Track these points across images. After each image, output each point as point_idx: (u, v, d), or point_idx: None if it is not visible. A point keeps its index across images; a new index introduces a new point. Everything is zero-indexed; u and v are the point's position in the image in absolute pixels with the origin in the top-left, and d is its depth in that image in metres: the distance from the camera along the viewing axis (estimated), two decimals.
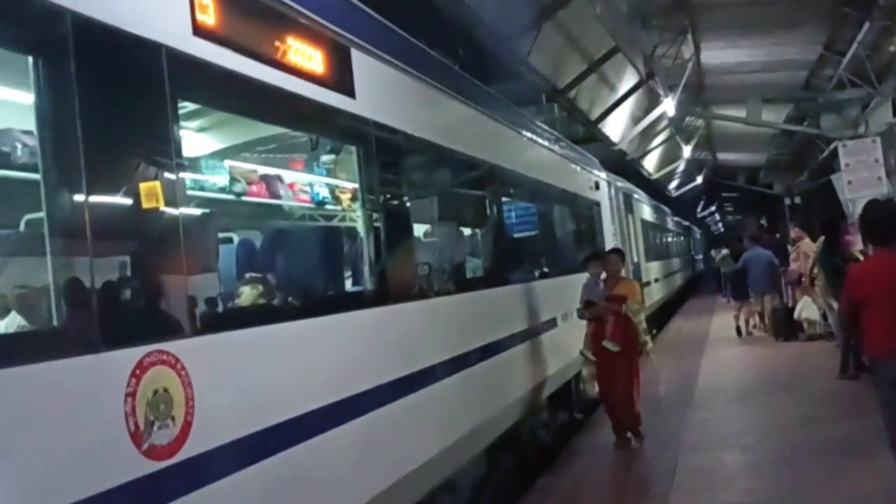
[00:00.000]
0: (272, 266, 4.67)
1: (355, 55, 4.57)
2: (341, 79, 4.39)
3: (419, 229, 6.00)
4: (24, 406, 2.32)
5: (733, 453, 7.28)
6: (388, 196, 5.00)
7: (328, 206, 5.70)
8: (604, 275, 8.01)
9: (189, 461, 2.84)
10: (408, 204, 5.37)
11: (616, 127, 17.95)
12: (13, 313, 2.98)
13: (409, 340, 4.86)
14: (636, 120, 18.29)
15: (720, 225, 68.06)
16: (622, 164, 19.61)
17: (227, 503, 3.03)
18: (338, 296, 4.71)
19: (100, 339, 2.56)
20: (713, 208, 58.71)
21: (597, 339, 7.77)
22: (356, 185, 5.06)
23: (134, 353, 2.67)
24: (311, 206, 5.61)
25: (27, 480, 2.29)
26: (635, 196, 18.08)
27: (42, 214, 2.62)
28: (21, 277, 3.07)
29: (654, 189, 27.57)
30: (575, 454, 7.85)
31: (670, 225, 28.49)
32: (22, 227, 3.82)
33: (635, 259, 16.23)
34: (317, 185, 5.63)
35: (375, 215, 4.79)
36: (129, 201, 2.88)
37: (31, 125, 4.03)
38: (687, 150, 23.58)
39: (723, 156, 30.58)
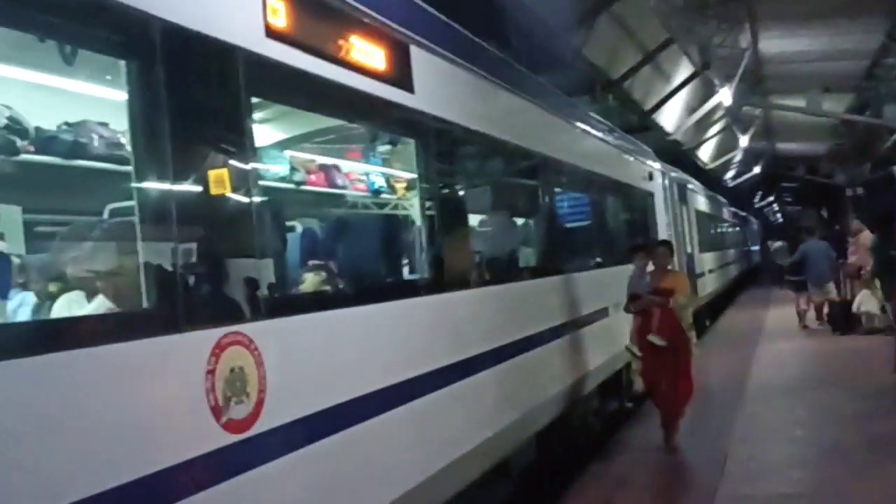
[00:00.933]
0: (334, 254, 4.89)
1: (414, 51, 4.75)
2: (401, 74, 4.57)
3: (474, 220, 6.16)
4: (117, 381, 2.56)
5: (783, 445, 7.31)
6: (444, 187, 5.17)
7: (385, 196, 5.90)
8: (650, 266, 7.77)
9: (261, 435, 3.06)
10: (463, 195, 5.54)
11: (671, 117, 17.84)
12: (100, 296, 3.24)
13: (464, 327, 5.03)
14: (691, 110, 18.14)
15: (779, 216, 66.65)
16: (677, 155, 19.45)
17: (293, 476, 3.25)
18: (396, 283, 4.90)
19: (184, 319, 2.79)
20: (771, 199, 57.54)
21: (643, 334, 7.52)
22: (413, 176, 5.25)
23: (214, 334, 2.89)
24: (369, 195, 5.82)
25: (121, 447, 2.53)
26: (690, 186, 17.93)
27: (131, 203, 2.86)
28: (108, 263, 3.32)
29: (710, 179, 27.20)
30: (625, 442, 7.95)
31: (725, 215, 28.10)
32: (105, 215, 4.11)
33: (689, 250, 16.13)
34: (375, 175, 5.84)
35: (431, 206, 4.96)
36: (210, 191, 3.10)
37: (116, 121, 4.34)
38: (744, 140, 23.24)
39: (782, 146, 30.03)
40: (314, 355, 3.53)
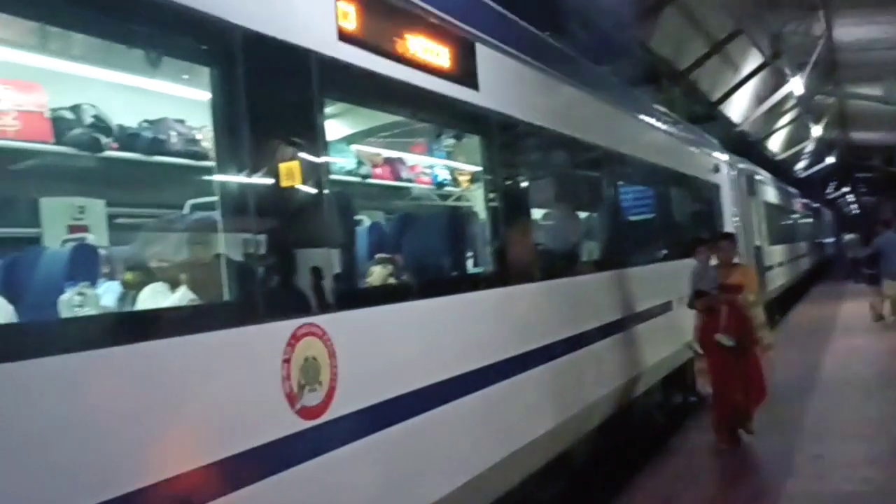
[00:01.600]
0: (400, 247, 5.02)
1: (479, 49, 4.83)
2: (466, 72, 4.66)
3: (537, 214, 6.21)
4: (201, 367, 2.73)
5: (853, 443, 7.17)
6: (508, 182, 5.23)
7: (450, 191, 6.01)
8: (714, 260, 7.41)
9: (332, 422, 3.21)
10: (526, 189, 5.59)
11: (739, 107, 17.49)
12: (183, 288, 3.43)
13: (527, 320, 5.11)
14: (760, 100, 17.73)
15: (854, 207, 64.42)
16: (745, 146, 19.05)
17: (362, 462, 3.39)
18: (460, 277, 4.99)
19: (263, 311, 2.95)
20: (846, 190, 55.68)
21: (708, 332, 7.12)
22: (477, 171, 5.33)
23: (290, 325, 3.05)
24: (434, 189, 5.94)
25: (202, 428, 2.70)
26: (758, 178, 17.56)
27: (213, 198, 3.03)
28: (191, 256, 3.52)
29: (780, 170, 26.51)
30: (688, 435, 7.90)
31: (796, 207, 27.38)
32: (186, 209, 4.32)
33: (757, 243, 15.83)
34: (439, 170, 5.95)
35: (495, 200, 5.04)
36: (285, 187, 3.25)
37: (193, 118, 4.55)
38: (816, 130, 22.58)
39: (857, 135, 29.07)
40: (383, 346, 3.66)
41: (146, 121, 4.92)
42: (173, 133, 4.92)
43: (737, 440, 7.21)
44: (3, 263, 4.57)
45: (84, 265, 4.25)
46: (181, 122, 4.92)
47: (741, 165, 15.15)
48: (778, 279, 18.86)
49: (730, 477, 6.66)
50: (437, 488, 3.88)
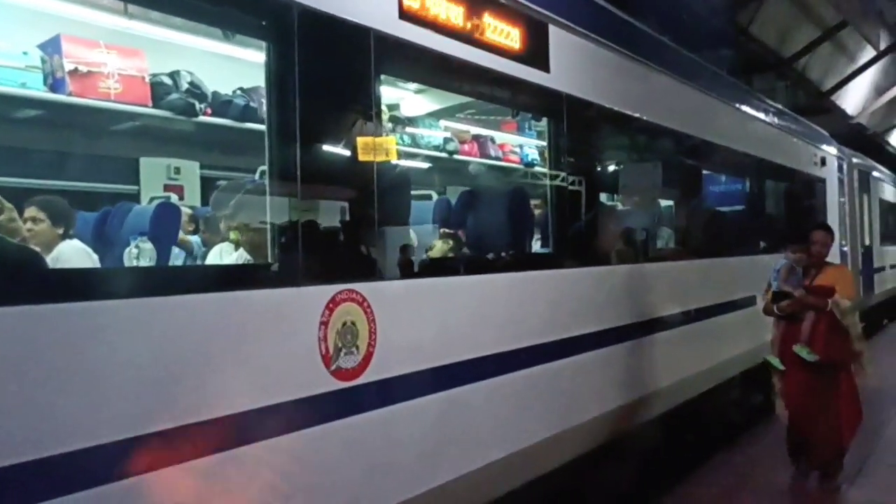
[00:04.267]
0: (463, 223, 5.13)
1: (552, 31, 4.83)
2: (536, 54, 4.68)
3: (608, 199, 6.17)
4: (243, 322, 2.94)
5: None
6: (576, 166, 5.21)
7: (516, 173, 6.06)
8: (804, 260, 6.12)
9: (368, 385, 3.37)
10: (595, 175, 5.56)
11: (854, 98, 16.54)
12: (240, 249, 3.68)
13: (584, 303, 5.11)
14: (880, 91, 16.71)
15: None
16: (861, 139, 18.04)
17: (395, 427, 3.55)
18: (516, 256, 5.02)
19: (303, 275, 3.14)
20: None
21: (789, 344, 5.96)
22: (547, 154, 5.35)
23: (329, 290, 3.22)
24: (499, 170, 6.00)
25: (242, 378, 2.91)
26: (874, 174, 16.64)
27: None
28: (250, 219, 3.74)
29: None
30: (759, 433, 7.71)
31: None
32: (257, 176, 4.57)
33: (867, 242, 15.08)
34: (504, 152, 6.01)
35: (563, 184, 5.06)
36: (337, 158, 3.41)
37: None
38: None
39: None
40: (425, 317, 3.79)
41: (240, 88, 5.20)
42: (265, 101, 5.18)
43: (812, 475, 6.10)
44: (97, 216, 4.97)
45: (164, 222, 4.57)
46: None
47: (855, 160, 14.42)
48: (889, 282, 17.90)
49: (787, 479, 6.47)
50: (467, 462, 3.97)
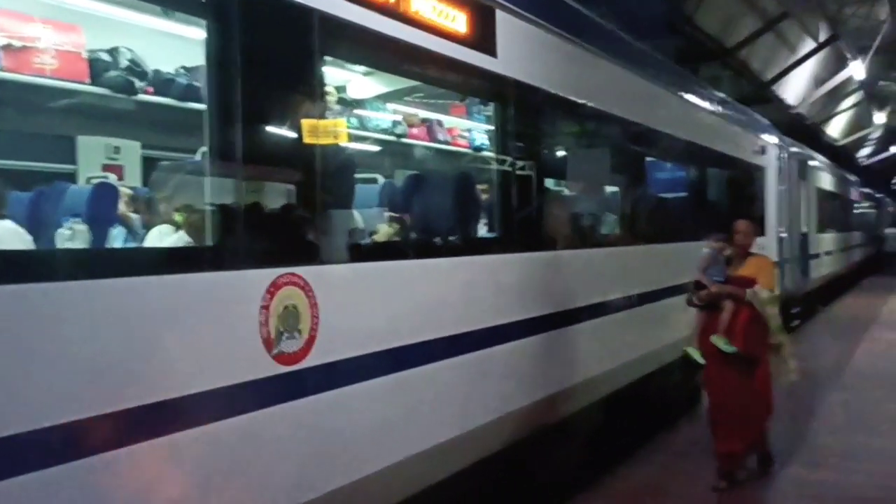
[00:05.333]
0: (410, 207, 5.11)
1: (500, 16, 4.83)
2: (484, 38, 4.67)
3: (551, 184, 6.21)
4: (179, 305, 2.89)
5: (864, 436, 7.13)
6: (522, 151, 5.24)
7: (465, 156, 6.06)
8: (728, 250, 6.00)
9: (310, 369, 3.35)
10: (541, 160, 5.58)
11: (795, 89, 16.94)
12: (180, 232, 3.61)
13: (527, 289, 5.16)
14: (819, 82, 17.15)
15: None
16: (800, 129, 18.51)
17: (340, 410, 3.53)
18: (460, 241, 5.00)
19: (243, 258, 3.10)
20: None
21: (710, 335, 5.82)
22: (494, 139, 5.36)
23: (270, 273, 3.18)
24: (449, 153, 6.00)
25: (178, 362, 2.86)
26: (812, 163, 17.12)
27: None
28: (189, 201, 3.66)
29: (840, 156, 25.71)
30: (697, 416, 7.90)
31: (854, 196, 26.59)
32: (198, 156, 4.48)
33: (803, 229, 15.52)
34: (449, 135, 6.01)
35: (509, 169, 5.08)
36: (278, 140, 3.37)
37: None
38: (880, 117, 21.81)
39: None
40: (369, 301, 3.77)
41: (183, 67, 5.08)
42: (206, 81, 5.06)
43: (733, 479, 5.83)
44: (31, 196, 4.81)
45: (101, 203, 4.44)
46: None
47: (793, 149, 14.79)
48: (824, 268, 18.48)
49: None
50: (413, 444, 3.99)
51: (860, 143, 29.13)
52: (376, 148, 5.81)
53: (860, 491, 5.69)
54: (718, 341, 5.70)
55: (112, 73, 4.64)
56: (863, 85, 17.62)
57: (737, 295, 5.74)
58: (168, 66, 5.01)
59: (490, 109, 5.32)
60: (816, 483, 5.86)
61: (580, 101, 5.94)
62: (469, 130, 6.52)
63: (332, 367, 3.47)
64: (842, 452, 6.64)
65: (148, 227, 4.74)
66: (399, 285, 4.01)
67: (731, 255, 5.96)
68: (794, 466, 6.20)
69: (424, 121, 6.37)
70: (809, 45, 15.47)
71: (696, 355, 5.92)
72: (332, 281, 3.51)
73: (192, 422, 2.85)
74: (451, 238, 4.87)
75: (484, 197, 5.30)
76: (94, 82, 4.51)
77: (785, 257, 13.30)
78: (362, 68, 5.37)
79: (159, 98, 4.89)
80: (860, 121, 24.31)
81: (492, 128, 5.51)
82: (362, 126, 5.61)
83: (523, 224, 5.17)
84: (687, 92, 8.89)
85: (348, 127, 5.12)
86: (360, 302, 3.71)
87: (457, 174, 5.80)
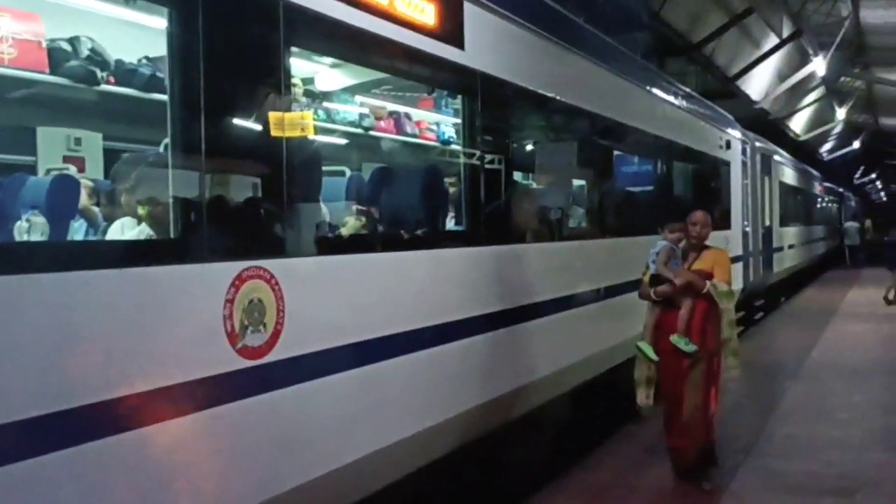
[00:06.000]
0: (377, 200, 5.09)
1: (468, 8, 4.82)
2: (451, 31, 4.65)
3: (520, 177, 6.23)
4: (142, 299, 2.84)
5: (825, 426, 7.25)
6: (490, 144, 5.24)
7: (433, 150, 6.05)
8: (683, 242, 5.73)
9: (276, 363, 3.31)
10: (508, 153, 5.58)
11: (759, 84, 17.16)
12: (143, 224, 3.55)
13: (495, 282, 5.16)
14: (783, 78, 17.39)
15: (882, 194, 63.46)
16: (764, 124, 18.76)
17: (306, 404, 3.51)
18: (431, 234, 5.00)
19: (207, 251, 3.05)
20: (874, 175, 54.81)
21: (664, 330, 5.57)
22: (461, 132, 5.35)
23: (235, 267, 3.14)
24: (417, 146, 5.98)
25: (139, 357, 2.81)
26: (775, 158, 17.37)
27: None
28: (151, 193, 3.60)
29: (803, 151, 26.13)
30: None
31: (816, 190, 27.05)
32: (161, 148, 4.41)
33: (767, 223, 15.75)
34: (424, 129, 5.99)
35: (477, 162, 5.07)
36: (244, 132, 3.32)
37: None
38: (841, 113, 22.19)
39: (886, 120, 28.51)
40: (335, 295, 3.74)
41: (146, 57, 4.99)
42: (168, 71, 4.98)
43: (693, 475, 5.67)
44: None
45: (61, 195, 4.35)
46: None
47: (758, 144, 14.98)
48: (787, 261, 18.79)
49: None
50: (374, 440, 3.96)
51: (822, 139, 29.63)
52: (344, 141, 5.77)
53: (820, 480, 5.79)
54: (679, 341, 5.46)
55: (73, 63, 4.54)
56: (825, 81, 17.89)
57: (698, 288, 5.50)
58: (130, 56, 4.92)
59: (458, 102, 5.30)
60: (779, 472, 5.94)
61: (548, 94, 5.95)
62: (437, 124, 6.50)
63: (297, 362, 3.44)
64: (803, 442, 6.75)
65: (110, 219, 4.67)
66: (366, 278, 3.99)
67: (686, 247, 5.74)
68: (758, 456, 6.29)
69: (392, 114, 6.34)
70: (773, 40, 15.66)
71: (649, 351, 5.64)
72: (299, 274, 3.48)
73: (153, 418, 2.80)
74: (418, 231, 4.85)
75: (452, 190, 5.29)
76: (53, 72, 4.40)
77: (749, 250, 13.50)
78: (329, 60, 5.33)
79: (121, 88, 4.79)
80: (822, 116, 24.72)
81: (459, 121, 5.50)
82: (329, 118, 5.57)
83: (491, 217, 5.17)
84: (654, 86, 8.95)
85: (315, 119, 5.07)
86: (326, 295, 3.68)
87: (425, 167, 5.78)
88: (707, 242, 5.80)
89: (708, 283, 5.52)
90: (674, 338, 5.48)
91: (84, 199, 4.97)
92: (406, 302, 4.27)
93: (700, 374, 5.54)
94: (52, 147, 5.86)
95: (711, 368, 5.62)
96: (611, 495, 5.63)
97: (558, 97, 6.12)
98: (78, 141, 5.99)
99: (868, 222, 20.56)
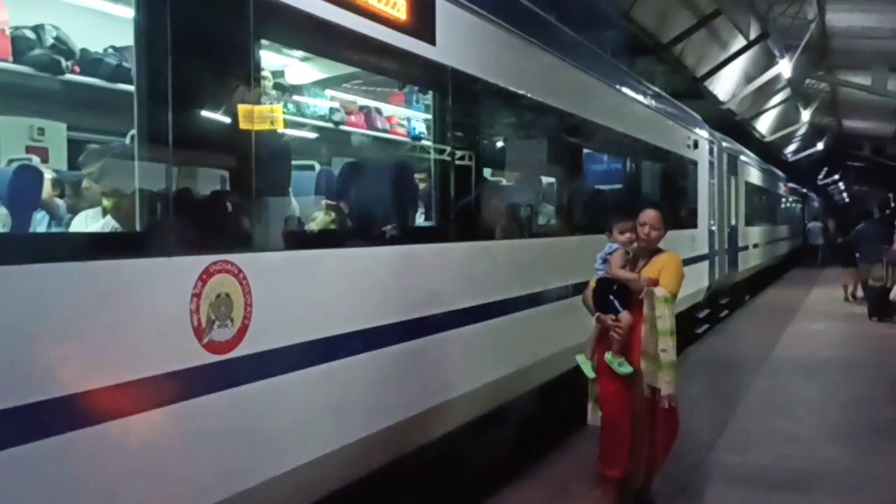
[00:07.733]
0: (346, 195, 5.08)
1: (440, 4, 4.81)
2: (423, 26, 4.65)
3: (489, 174, 6.24)
4: (106, 293, 2.80)
5: (783, 422, 7.39)
6: (460, 140, 5.25)
7: (404, 145, 6.05)
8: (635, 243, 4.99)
9: (242, 358, 3.29)
10: (479, 149, 5.59)
11: (726, 85, 17.40)
12: (108, 217, 3.50)
13: (464, 278, 5.17)
14: (749, 79, 17.64)
15: (844, 195, 64.69)
16: (730, 124, 19.03)
17: (273, 400, 3.49)
18: (400, 229, 5.01)
19: (173, 244, 3.02)
20: (836, 177, 55.84)
21: (607, 346, 4.92)
22: (432, 128, 5.36)
23: (202, 261, 3.12)
24: (387, 142, 5.98)
25: (104, 351, 2.78)
26: (742, 158, 17.62)
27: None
28: (117, 185, 3.56)
29: (769, 152, 26.53)
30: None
31: (781, 190, 27.49)
32: (128, 140, 4.35)
33: (733, 222, 15.98)
34: (388, 124, 5.99)
35: (446, 158, 5.08)
36: (211, 125, 3.29)
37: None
38: (806, 114, 22.56)
39: (849, 123, 29.03)
40: (304, 290, 3.73)
41: (112, 47, 4.91)
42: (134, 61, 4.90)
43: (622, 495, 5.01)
44: None
45: (23, 186, 4.28)
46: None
47: (724, 144, 15.18)
48: (752, 260, 19.07)
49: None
50: (341, 436, 3.96)
51: (788, 140, 30.12)
52: (313, 135, 5.73)
53: (777, 474, 5.90)
54: (612, 362, 4.81)
55: (37, 52, 4.46)
56: (790, 83, 18.18)
57: (635, 297, 4.80)
58: (96, 45, 4.85)
59: (429, 98, 5.30)
60: (738, 466, 6.06)
61: (519, 91, 5.97)
62: (408, 119, 6.49)
63: (264, 357, 3.42)
64: (762, 437, 6.88)
65: (73, 211, 4.60)
66: (335, 273, 3.98)
67: (635, 251, 5.01)
68: (718, 451, 6.40)
69: (363, 108, 6.32)
70: (741, 42, 15.88)
71: (587, 367, 5.01)
72: (267, 269, 3.46)
73: (117, 413, 2.78)
74: (388, 227, 4.85)
75: (422, 186, 5.29)
76: (16, 60, 4.32)
77: (715, 249, 13.69)
78: (300, 53, 5.30)
79: (86, 78, 4.72)
80: (788, 118, 25.13)
81: (430, 117, 5.50)
82: (299, 112, 5.53)
83: (461, 213, 5.18)
84: (623, 85, 9.02)
85: (285, 113, 5.04)
86: (295, 290, 3.67)
87: (395, 163, 5.78)
88: (660, 246, 5.01)
89: (645, 289, 4.75)
90: (607, 357, 4.83)
91: (47, 190, 4.90)
92: (375, 297, 4.27)
93: (645, 401, 4.79)
94: (14, 137, 5.75)
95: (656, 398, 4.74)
96: (573, 489, 5.67)
97: (529, 94, 6.15)
98: (41, 131, 5.88)
99: (832, 223, 21.01)
